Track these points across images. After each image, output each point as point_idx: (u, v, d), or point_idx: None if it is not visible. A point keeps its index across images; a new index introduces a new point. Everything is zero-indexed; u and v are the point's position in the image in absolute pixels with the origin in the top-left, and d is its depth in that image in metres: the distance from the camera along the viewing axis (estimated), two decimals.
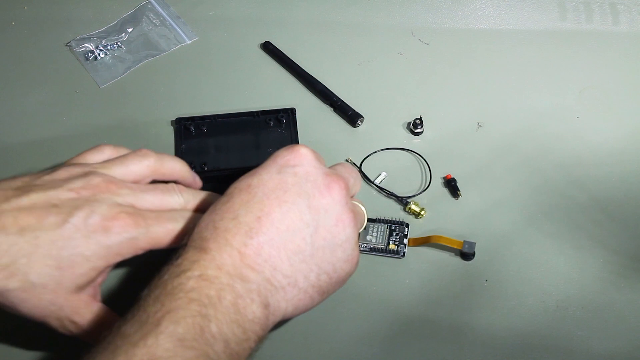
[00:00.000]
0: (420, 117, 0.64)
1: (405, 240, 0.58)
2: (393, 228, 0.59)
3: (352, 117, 0.65)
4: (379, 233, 0.58)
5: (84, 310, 0.46)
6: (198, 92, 0.68)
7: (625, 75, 0.68)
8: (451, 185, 0.61)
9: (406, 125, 0.65)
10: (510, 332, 0.54)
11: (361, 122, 0.66)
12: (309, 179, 0.46)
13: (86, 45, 0.72)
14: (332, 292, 0.48)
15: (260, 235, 0.43)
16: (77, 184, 0.45)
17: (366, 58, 0.70)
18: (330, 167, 0.50)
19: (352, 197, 0.50)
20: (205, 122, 0.65)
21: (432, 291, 0.56)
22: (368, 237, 0.58)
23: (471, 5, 0.74)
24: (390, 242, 0.58)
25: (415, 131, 0.64)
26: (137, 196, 0.47)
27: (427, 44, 0.71)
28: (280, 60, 0.70)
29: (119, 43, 0.72)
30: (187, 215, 0.49)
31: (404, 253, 0.58)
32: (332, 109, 0.67)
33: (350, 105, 0.66)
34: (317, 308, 0.56)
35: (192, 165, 0.62)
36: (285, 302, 0.44)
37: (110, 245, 0.45)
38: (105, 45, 0.71)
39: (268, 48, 0.71)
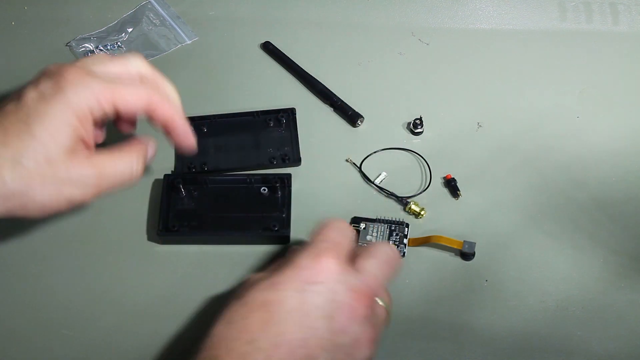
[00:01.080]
0: (420, 117, 0.64)
1: (405, 240, 0.58)
2: (393, 228, 0.59)
3: (352, 117, 0.65)
4: (379, 233, 0.58)
5: (86, 166, 0.46)
6: (198, 92, 0.68)
7: (625, 75, 0.68)
8: (451, 185, 0.61)
9: (406, 125, 0.65)
10: (510, 332, 0.54)
11: (361, 122, 0.66)
12: (334, 298, 0.42)
13: (86, 45, 0.72)
14: None
15: None
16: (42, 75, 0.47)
17: (366, 58, 0.70)
18: (361, 251, 0.47)
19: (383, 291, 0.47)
20: (205, 122, 0.65)
21: (432, 291, 0.56)
22: (368, 237, 0.58)
23: (471, 5, 0.74)
24: (390, 242, 0.58)
25: (415, 131, 0.64)
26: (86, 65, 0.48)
27: (427, 44, 0.71)
28: (280, 60, 0.70)
29: (119, 43, 0.72)
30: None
31: (404, 253, 0.58)
32: (332, 109, 0.67)
33: (350, 105, 0.66)
34: None
35: (192, 165, 0.62)
36: None
37: (69, 98, 0.45)
38: (105, 45, 0.72)
39: (268, 48, 0.71)
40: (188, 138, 0.52)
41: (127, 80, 0.49)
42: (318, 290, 0.42)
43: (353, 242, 0.48)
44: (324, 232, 0.47)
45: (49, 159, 0.44)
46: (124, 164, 0.49)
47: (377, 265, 0.47)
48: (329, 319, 0.42)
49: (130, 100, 0.48)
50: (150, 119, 0.50)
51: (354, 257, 0.47)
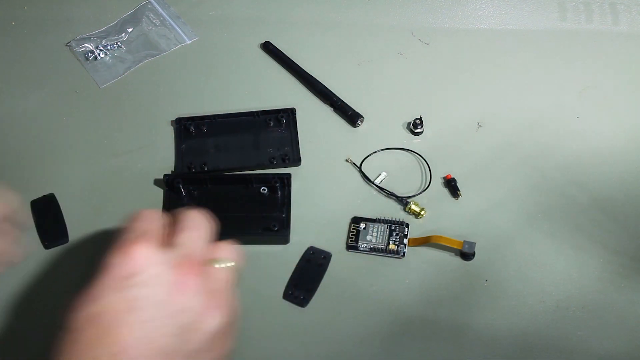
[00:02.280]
0: (420, 117, 0.64)
1: (405, 240, 0.58)
2: (393, 228, 0.59)
3: (352, 117, 0.65)
4: (379, 233, 0.58)
5: None
6: (198, 92, 0.68)
7: (625, 75, 0.68)
8: (451, 185, 0.61)
9: (406, 125, 0.65)
10: (510, 332, 0.54)
11: (361, 122, 0.66)
12: (158, 282, 0.39)
13: (86, 45, 0.72)
14: None
15: None
16: None
17: (366, 58, 0.70)
18: (176, 226, 0.44)
19: (212, 254, 0.44)
20: (205, 122, 0.65)
21: (432, 291, 0.56)
22: (368, 237, 0.58)
23: (471, 5, 0.74)
24: (390, 242, 0.58)
25: (415, 131, 0.64)
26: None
27: (427, 44, 0.71)
28: (280, 60, 0.70)
29: (119, 43, 0.72)
30: None
31: (404, 253, 0.58)
32: (332, 109, 0.67)
33: (350, 105, 0.66)
34: (317, 308, 0.56)
35: (192, 165, 0.62)
36: None
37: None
38: (105, 45, 0.71)
39: (268, 48, 0.71)
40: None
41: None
42: (140, 282, 0.39)
43: (164, 226, 0.44)
44: (129, 226, 0.43)
45: None
46: None
47: (190, 234, 0.43)
48: (163, 305, 0.39)
49: None
50: None
51: (170, 239, 0.43)
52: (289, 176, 0.60)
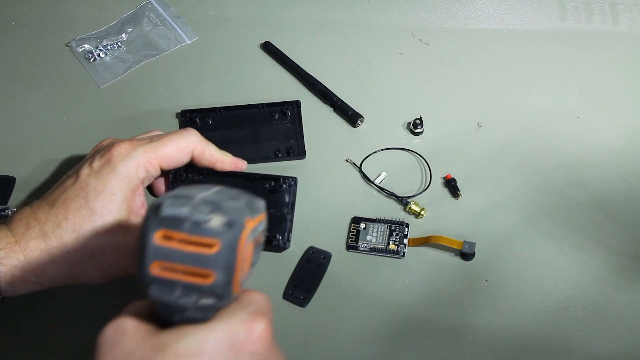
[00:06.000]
0: (420, 117, 0.64)
1: (405, 240, 0.58)
2: (393, 228, 0.59)
3: (352, 117, 0.65)
4: (379, 233, 0.58)
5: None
6: (198, 93, 0.68)
7: (625, 75, 0.68)
8: (451, 185, 0.61)
9: (406, 125, 0.65)
10: (510, 332, 0.54)
11: (361, 122, 0.66)
12: None
13: (86, 45, 0.72)
14: None
15: None
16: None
17: (366, 58, 0.70)
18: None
19: None
20: (211, 114, 0.65)
21: (432, 291, 0.56)
22: (368, 237, 0.58)
23: (471, 5, 0.74)
24: (390, 242, 0.58)
25: (415, 131, 0.64)
26: (133, 138, 0.53)
27: (427, 44, 0.71)
28: (280, 60, 0.70)
29: (119, 43, 0.72)
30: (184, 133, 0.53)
31: (404, 253, 0.58)
32: (332, 109, 0.67)
33: (350, 105, 0.66)
34: (317, 308, 0.56)
35: None
36: None
37: (119, 171, 0.49)
38: (105, 46, 0.71)
39: (268, 48, 0.71)
40: (238, 166, 0.58)
41: (168, 137, 0.53)
42: None
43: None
44: (251, 295, 0.40)
45: (107, 230, 0.48)
46: None
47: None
48: None
49: (174, 155, 0.53)
50: (197, 163, 0.55)
51: None
52: (295, 179, 0.60)
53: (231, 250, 0.35)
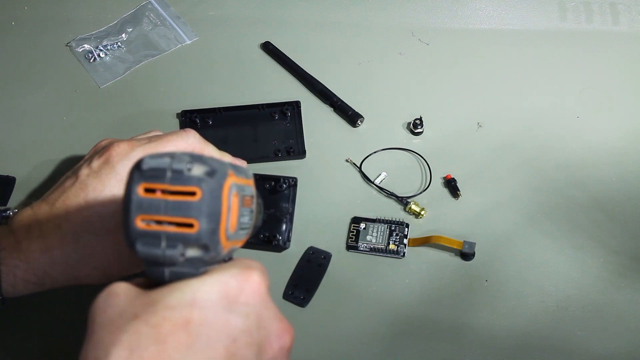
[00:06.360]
0: (420, 117, 0.64)
1: (405, 240, 0.58)
2: (393, 228, 0.59)
3: (352, 117, 0.65)
4: (379, 233, 0.58)
5: None
6: (198, 93, 0.68)
7: (625, 75, 0.68)
8: (451, 185, 0.61)
9: (406, 125, 0.65)
10: (510, 332, 0.54)
11: (361, 122, 0.66)
12: (261, 325, 0.37)
13: (86, 45, 0.72)
14: None
15: None
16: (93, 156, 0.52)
17: (366, 58, 0.70)
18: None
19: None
20: (211, 114, 0.65)
21: (432, 291, 0.56)
22: (368, 237, 0.58)
23: (471, 5, 0.74)
24: (390, 242, 0.58)
25: (415, 131, 0.64)
26: (132, 139, 0.52)
27: (427, 44, 0.71)
28: (280, 60, 0.70)
29: (119, 43, 0.72)
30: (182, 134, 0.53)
31: (404, 253, 0.58)
32: (332, 109, 0.67)
33: (350, 105, 0.66)
34: (317, 308, 0.56)
35: None
36: None
37: (118, 171, 0.49)
38: (105, 46, 0.71)
39: (268, 48, 0.71)
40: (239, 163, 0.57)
41: (167, 137, 0.53)
42: (247, 313, 0.36)
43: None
44: (244, 259, 0.40)
45: (107, 230, 0.48)
46: None
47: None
48: (257, 349, 0.36)
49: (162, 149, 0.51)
50: None
51: None
52: (295, 179, 0.60)
53: (214, 197, 0.35)
